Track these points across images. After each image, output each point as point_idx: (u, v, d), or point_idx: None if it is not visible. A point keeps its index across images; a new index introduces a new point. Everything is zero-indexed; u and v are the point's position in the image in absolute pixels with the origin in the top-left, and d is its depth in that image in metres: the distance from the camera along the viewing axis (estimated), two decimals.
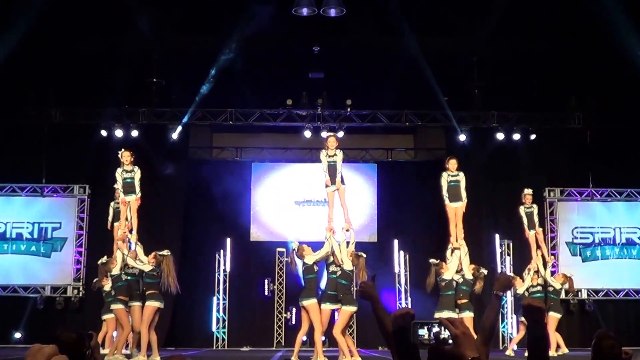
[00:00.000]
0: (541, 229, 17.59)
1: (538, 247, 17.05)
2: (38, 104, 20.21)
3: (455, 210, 14.63)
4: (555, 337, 16.50)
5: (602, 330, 5.04)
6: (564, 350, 16.41)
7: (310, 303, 12.74)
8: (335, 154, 13.48)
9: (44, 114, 20.27)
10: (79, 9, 17.83)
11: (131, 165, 14.08)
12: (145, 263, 13.59)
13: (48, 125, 20.34)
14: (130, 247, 13.87)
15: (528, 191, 17.42)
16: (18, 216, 20.58)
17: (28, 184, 20.56)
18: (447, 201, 14.60)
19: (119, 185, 14.34)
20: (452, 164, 14.80)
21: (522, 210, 17.15)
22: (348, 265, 12.91)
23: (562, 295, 17.58)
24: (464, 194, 14.65)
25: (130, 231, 13.80)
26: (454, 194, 14.64)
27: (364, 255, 13.22)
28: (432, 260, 14.77)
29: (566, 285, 16.95)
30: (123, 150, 14.30)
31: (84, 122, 20.37)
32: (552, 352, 16.33)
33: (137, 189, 14.02)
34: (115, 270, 13.73)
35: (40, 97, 20.18)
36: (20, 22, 16.97)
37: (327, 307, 12.92)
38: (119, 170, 14.14)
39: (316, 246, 13.30)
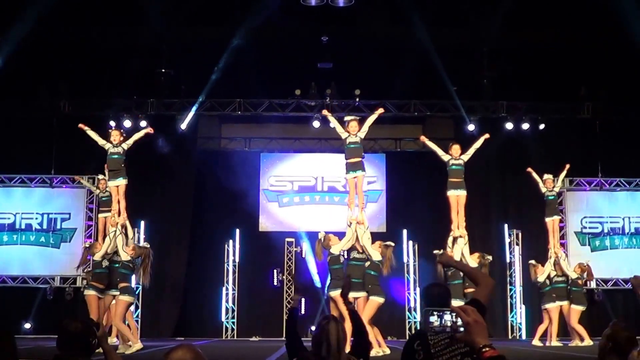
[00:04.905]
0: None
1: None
2: (48, 95, 20.21)
3: (457, 198, 14.68)
4: (578, 329, 16.48)
5: (616, 321, 5.05)
6: (588, 341, 16.23)
7: (336, 294, 12.25)
8: (357, 136, 13.39)
9: (53, 106, 20.26)
10: (88, 0, 17.86)
11: (120, 144, 13.83)
12: (125, 252, 13.38)
13: (57, 116, 20.35)
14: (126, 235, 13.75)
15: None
16: (27, 207, 20.68)
17: (37, 175, 20.63)
18: (448, 191, 14.69)
19: (97, 137, 13.86)
20: (455, 149, 14.85)
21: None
22: (376, 256, 12.74)
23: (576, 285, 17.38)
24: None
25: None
26: (455, 179, 14.72)
27: (393, 245, 13.16)
28: (436, 252, 14.78)
29: (585, 274, 16.93)
30: (113, 129, 14.01)
31: (93, 113, 20.33)
32: (577, 342, 16.34)
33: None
34: (97, 257, 13.39)
35: (50, 89, 20.19)
36: (30, 14, 16.99)
37: (350, 295, 12.70)
38: (107, 144, 13.86)
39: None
